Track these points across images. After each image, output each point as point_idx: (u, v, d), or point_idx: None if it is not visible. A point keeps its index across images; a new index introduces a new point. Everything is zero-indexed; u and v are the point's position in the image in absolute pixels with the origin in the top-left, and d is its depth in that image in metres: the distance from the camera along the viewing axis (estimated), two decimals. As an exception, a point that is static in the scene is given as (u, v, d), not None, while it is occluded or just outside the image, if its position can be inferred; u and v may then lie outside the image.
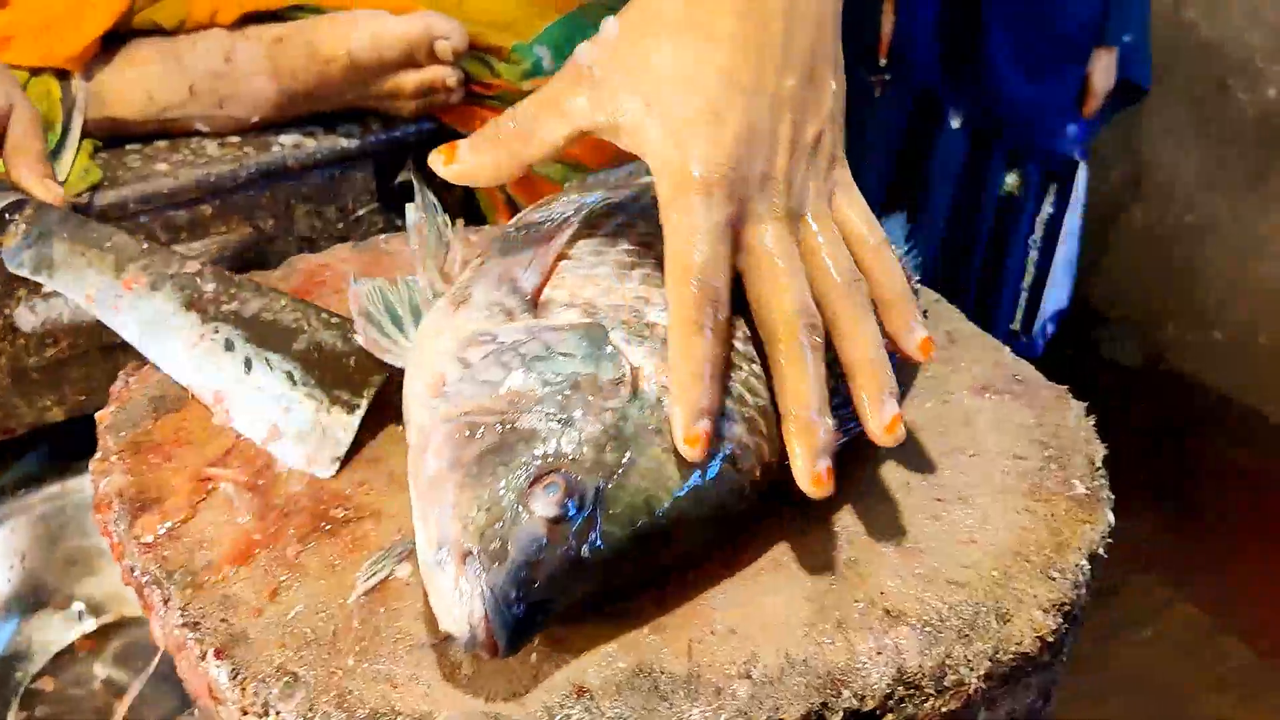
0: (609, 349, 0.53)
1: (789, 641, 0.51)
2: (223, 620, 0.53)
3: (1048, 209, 1.55)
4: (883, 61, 1.46)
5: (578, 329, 0.54)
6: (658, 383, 0.52)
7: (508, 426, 0.50)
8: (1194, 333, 2.03)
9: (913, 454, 0.61)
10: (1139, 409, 1.98)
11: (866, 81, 1.47)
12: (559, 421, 0.51)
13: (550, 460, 0.49)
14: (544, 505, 0.48)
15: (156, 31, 0.98)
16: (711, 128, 0.52)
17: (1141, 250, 1.98)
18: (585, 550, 0.49)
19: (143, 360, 0.67)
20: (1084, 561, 0.56)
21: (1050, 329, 1.66)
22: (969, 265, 1.55)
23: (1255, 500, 1.79)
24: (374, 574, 0.55)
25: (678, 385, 0.51)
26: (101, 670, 0.92)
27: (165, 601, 0.55)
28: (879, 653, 0.51)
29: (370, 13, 0.97)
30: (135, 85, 0.96)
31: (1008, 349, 0.70)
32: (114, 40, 0.97)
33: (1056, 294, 1.63)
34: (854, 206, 0.57)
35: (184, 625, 0.53)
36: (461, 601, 0.47)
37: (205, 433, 0.63)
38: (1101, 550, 0.57)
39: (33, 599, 0.92)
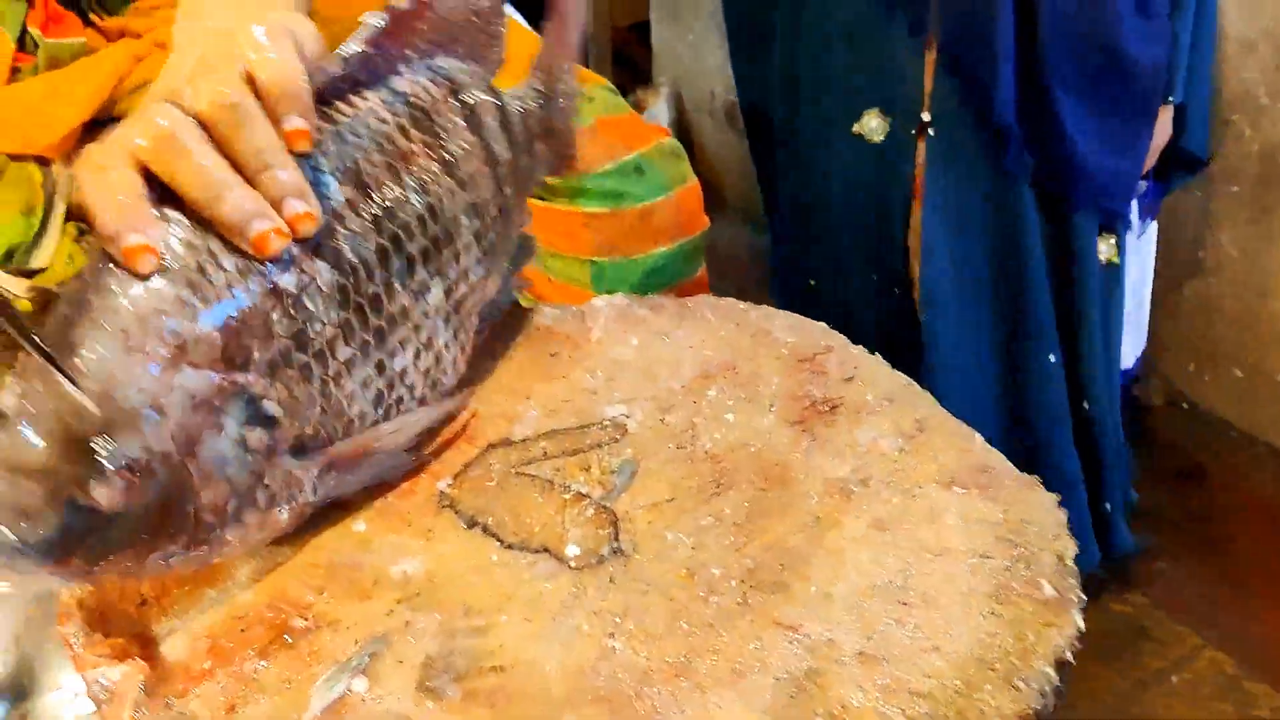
0: None
1: (744, 760, 0.50)
2: (177, 741, 0.53)
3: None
4: (926, 116, 1.44)
5: None
6: None
7: None
8: (1212, 370, 2.01)
9: (878, 553, 0.61)
10: (1163, 449, 1.96)
11: (915, 130, 1.44)
12: None
13: None
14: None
15: (138, 118, 0.99)
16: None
17: (1155, 288, 1.96)
18: None
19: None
20: (1049, 669, 0.55)
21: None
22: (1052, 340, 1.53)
23: (1280, 539, 1.78)
24: (329, 689, 0.55)
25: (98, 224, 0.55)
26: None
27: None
28: (835, 772, 0.50)
29: None
30: (115, 171, 0.97)
31: (979, 436, 0.69)
32: (96, 126, 0.98)
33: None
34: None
35: (141, 748, 0.53)
36: None
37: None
38: (1069, 655, 0.56)
39: (24, 684, 0.92)
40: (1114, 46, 1.40)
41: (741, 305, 0.82)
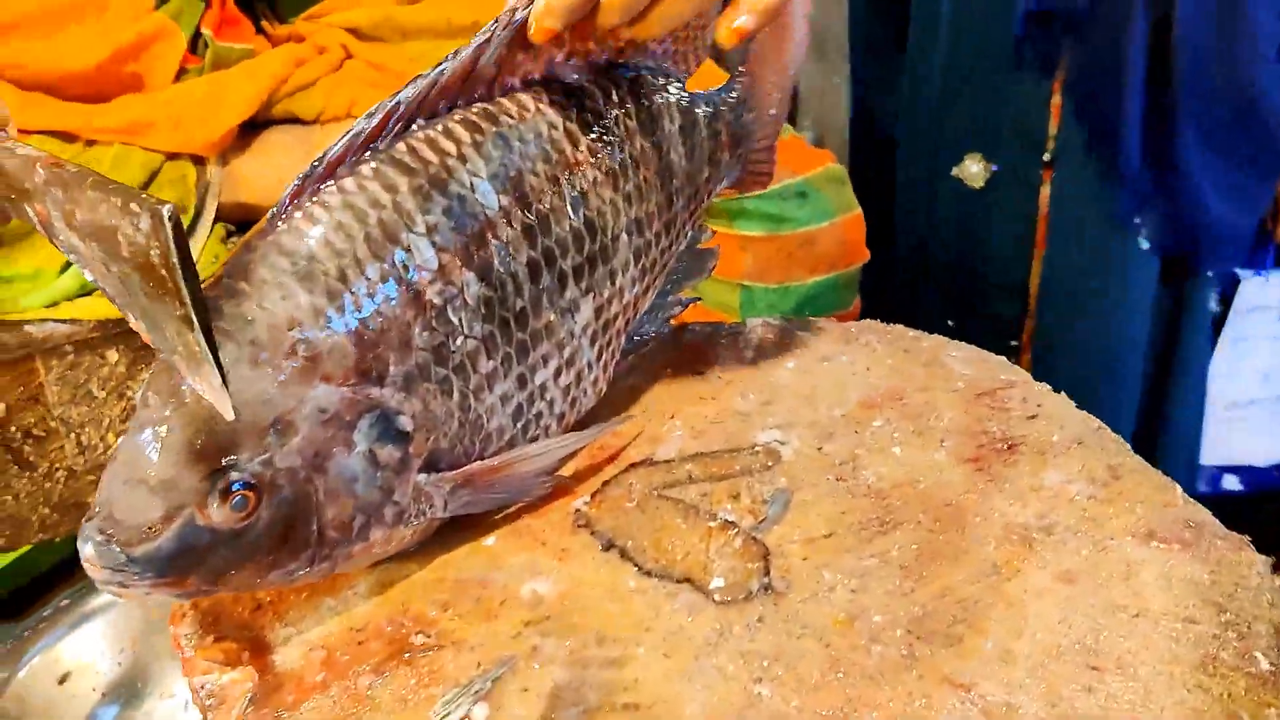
0: None
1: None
2: (282, 757, 0.49)
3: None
4: (1047, 156, 1.37)
5: None
6: None
7: None
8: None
9: (1065, 610, 0.54)
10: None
11: (1036, 175, 1.38)
12: None
13: None
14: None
15: (293, 121, 0.98)
16: None
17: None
18: None
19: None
20: (1269, 757, 0.47)
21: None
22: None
23: None
24: (446, 714, 0.50)
25: None
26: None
27: (227, 730, 0.51)
28: None
29: None
30: (269, 172, 0.96)
31: (1179, 488, 0.61)
32: (251, 128, 0.97)
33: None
34: None
35: (244, 762, 0.49)
36: None
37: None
38: (1291, 742, 0.48)
39: (138, 686, 0.91)
40: (1253, 91, 1.30)
41: (912, 333, 0.75)
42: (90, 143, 0.93)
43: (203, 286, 0.52)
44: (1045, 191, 1.41)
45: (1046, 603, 0.54)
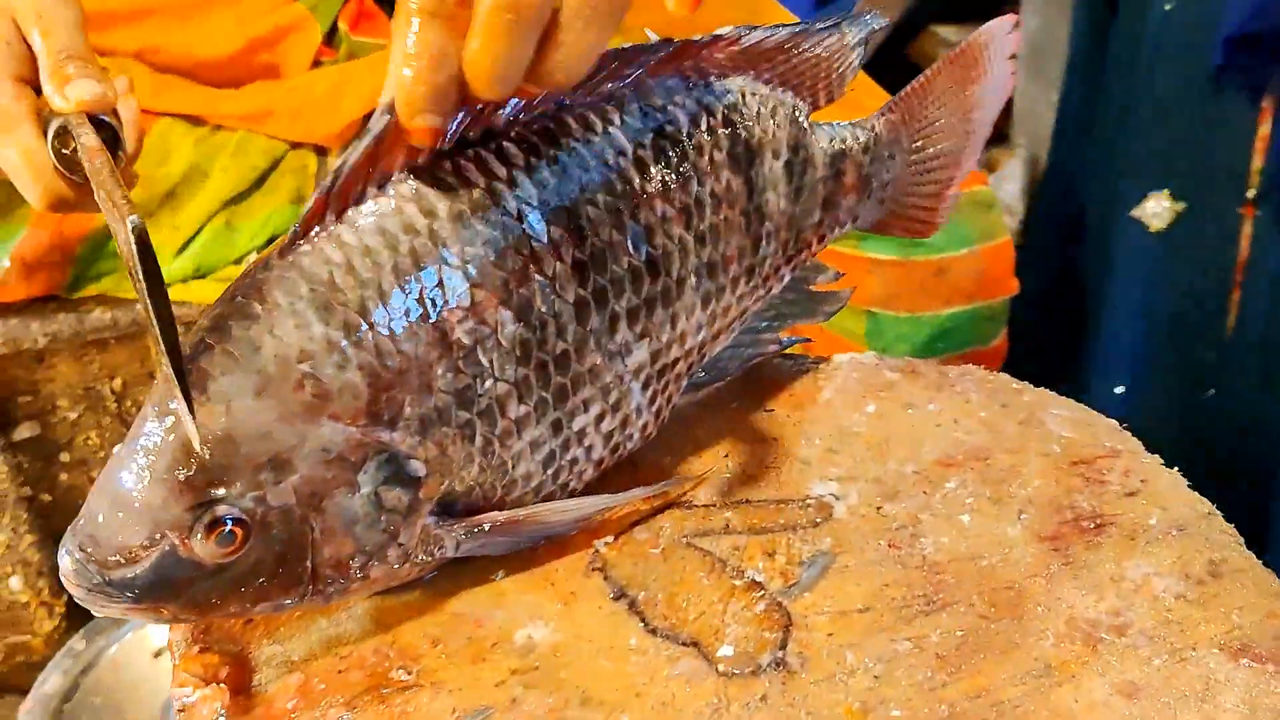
0: None
1: None
2: (230, 787, 0.46)
3: None
4: (1251, 193, 1.24)
5: None
6: None
7: None
8: None
9: (1120, 730, 0.46)
10: None
11: (1234, 213, 1.26)
12: None
13: None
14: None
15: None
16: None
17: None
18: None
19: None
20: None
21: None
22: None
23: None
24: (404, 764, 0.47)
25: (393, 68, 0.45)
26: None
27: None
28: None
29: None
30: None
31: (1296, 596, 0.52)
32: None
33: None
34: None
35: (195, 786, 0.47)
36: None
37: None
38: None
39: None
40: None
41: (1015, 384, 0.67)
42: (217, 128, 0.94)
43: (219, 300, 0.50)
44: (1246, 231, 1.29)
45: (1100, 718, 0.46)
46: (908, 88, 0.67)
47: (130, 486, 0.46)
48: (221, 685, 0.51)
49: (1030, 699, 0.48)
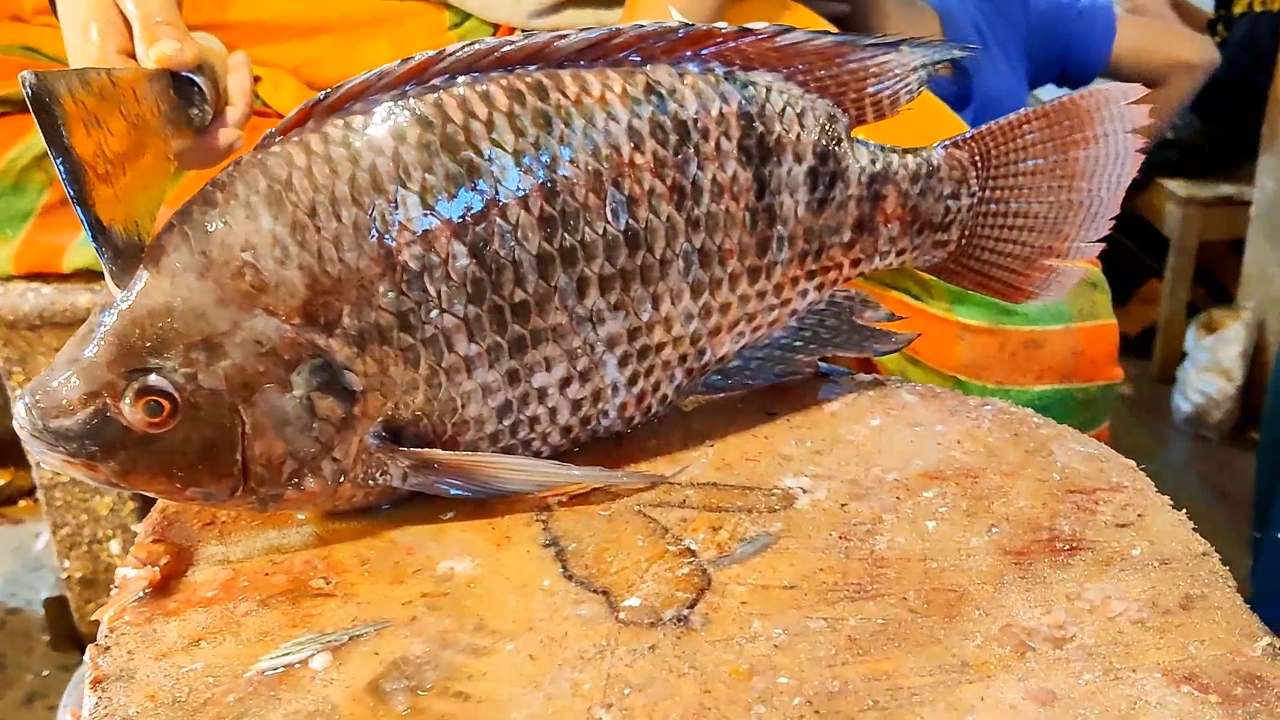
0: None
1: None
2: (129, 652, 0.48)
3: None
4: None
5: None
6: None
7: None
8: None
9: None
10: None
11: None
12: None
13: None
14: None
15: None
16: None
17: None
18: None
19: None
20: None
21: None
22: None
23: None
24: (287, 654, 0.47)
25: None
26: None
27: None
28: None
29: None
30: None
31: (1274, 642, 0.46)
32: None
33: None
34: None
35: (98, 645, 0.49)
36: None
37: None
38: None
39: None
40: None
41: (1037, 419, 0.64)
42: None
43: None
44: None
45: (999, 718, 0.43)
46: (985, 127, 0.65)
47: (84, 347, 0.50)
48: (156, 569, 0.53)
49: (932, 690, 0.44)
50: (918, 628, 0.47)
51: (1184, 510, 0.55)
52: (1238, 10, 2.44)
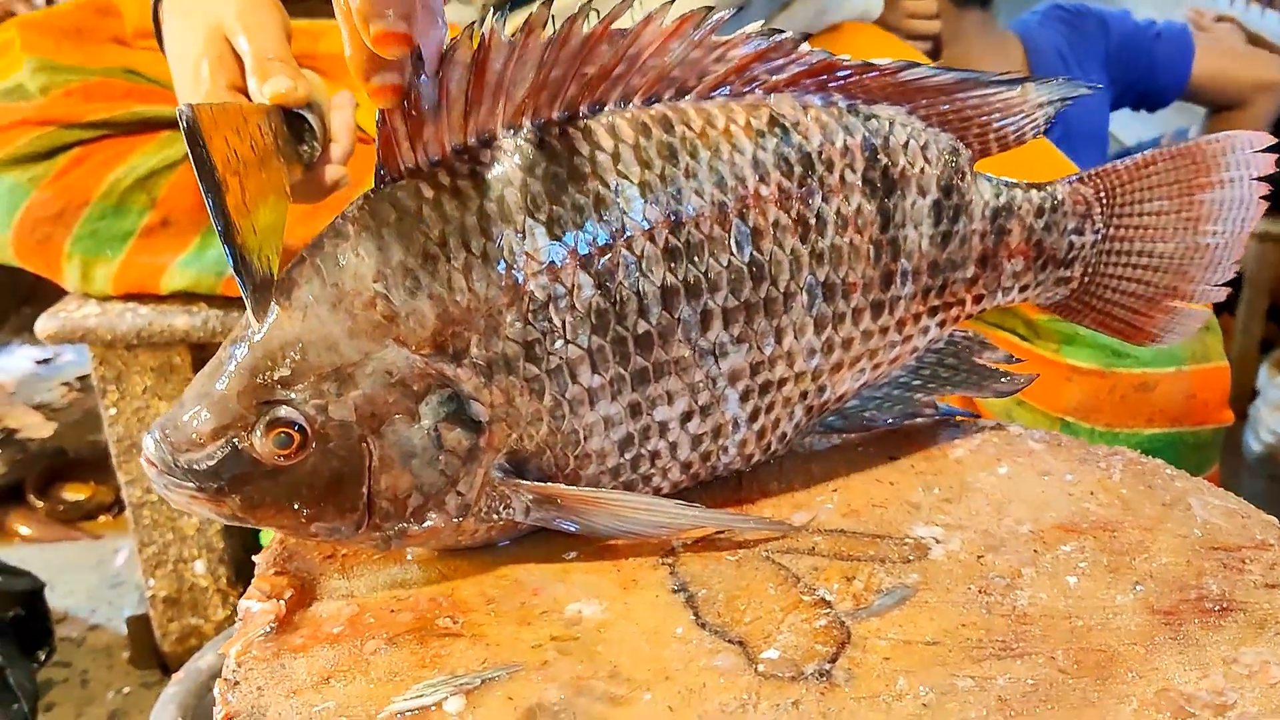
0: None
1: None
2: (258, 689, 0.47)
3: None
4: None
5: None
6: None
7: None
8: None
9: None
10: None
11: None
12: None
13: None
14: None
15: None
16: None
17: None
18: None
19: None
20: None
21: None
22: None
23: None
24: (420, 696, 0.46)
25: None
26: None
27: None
28: None
29: None
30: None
31: None
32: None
33: None
34: None
35: (226, 680, 0.48)
36: None
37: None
38: None
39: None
40: None
41: (1170, 470, 0.62)
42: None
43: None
44: None
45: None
46: (1110, 164, 0.64)
47: (214, 381, 0.49)
48: (281, 602, 0.52)
49: (1091, 757, 0.42)
50: (1069, 689, 0.46)
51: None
52: (1311, 46, 2.41)
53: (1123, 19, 1.85)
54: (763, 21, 0.56)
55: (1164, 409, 0.91)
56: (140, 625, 1.21)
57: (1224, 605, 0.50)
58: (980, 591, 0.52)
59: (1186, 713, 0.44)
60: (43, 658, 1.22)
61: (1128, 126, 2.38)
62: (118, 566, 1.44)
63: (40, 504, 1.57)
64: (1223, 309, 2.58)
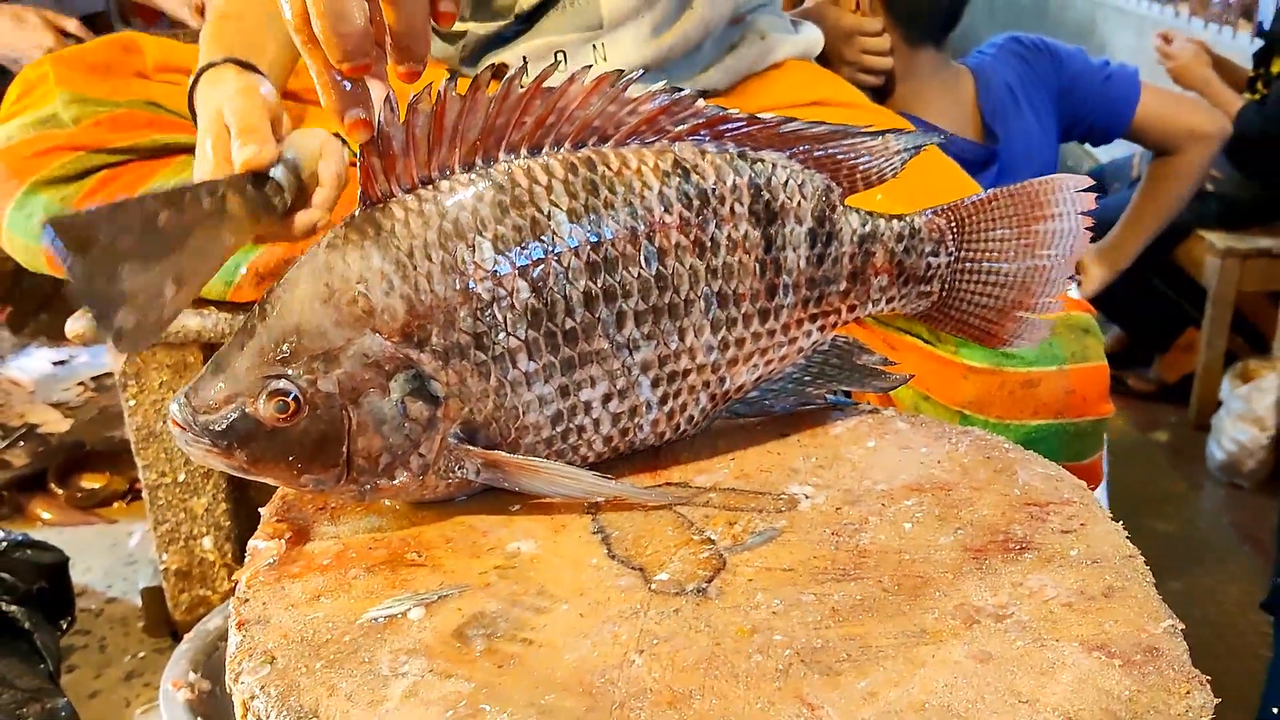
0: None
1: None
2: (264, 604, 0.61)
3: None
4: None
5: None
6: None
7: None
8: None
9: (958, 680, 0.54)
10: None
11: None
12: None
13: None
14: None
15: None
16: None
17: None
18: None
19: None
20: None
21: None
22: None
23: None
24: (389, 608, 0.60)
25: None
26: None
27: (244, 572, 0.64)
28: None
29: None
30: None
31: (1175, 624, 0.58)
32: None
33: None
34: None
35: (239, 597, 0.62)
36: None
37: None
38: None
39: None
40: None
41: (1008, 446, 0.76)
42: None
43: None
44: None
45: (945, 670, 0.55)
46: (961, 200, 0.77)
47: (233, 358, 0.64)
48: (282, 542, 0.66)
49: (894, 649, 0.56)
50: (888, 603, 0.60)
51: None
52: (1276, 70, 2.54)
53: (1077, 57, 1.98)
54: (664, 81, 0.70)
55: (1047, 403, 1.04)
56: (154, 596, 1.34)
57: (1023, 545, 0.64)
58: (833, 534, 0.65)
59: (974, 619, 0.58)
60: (65, 626, 1.35)
61: (1103, 147, 2.47)
62: (131, 547, 1.59)
63: (60, 492, 1.72)
64: (1188, 323, 2.70)
